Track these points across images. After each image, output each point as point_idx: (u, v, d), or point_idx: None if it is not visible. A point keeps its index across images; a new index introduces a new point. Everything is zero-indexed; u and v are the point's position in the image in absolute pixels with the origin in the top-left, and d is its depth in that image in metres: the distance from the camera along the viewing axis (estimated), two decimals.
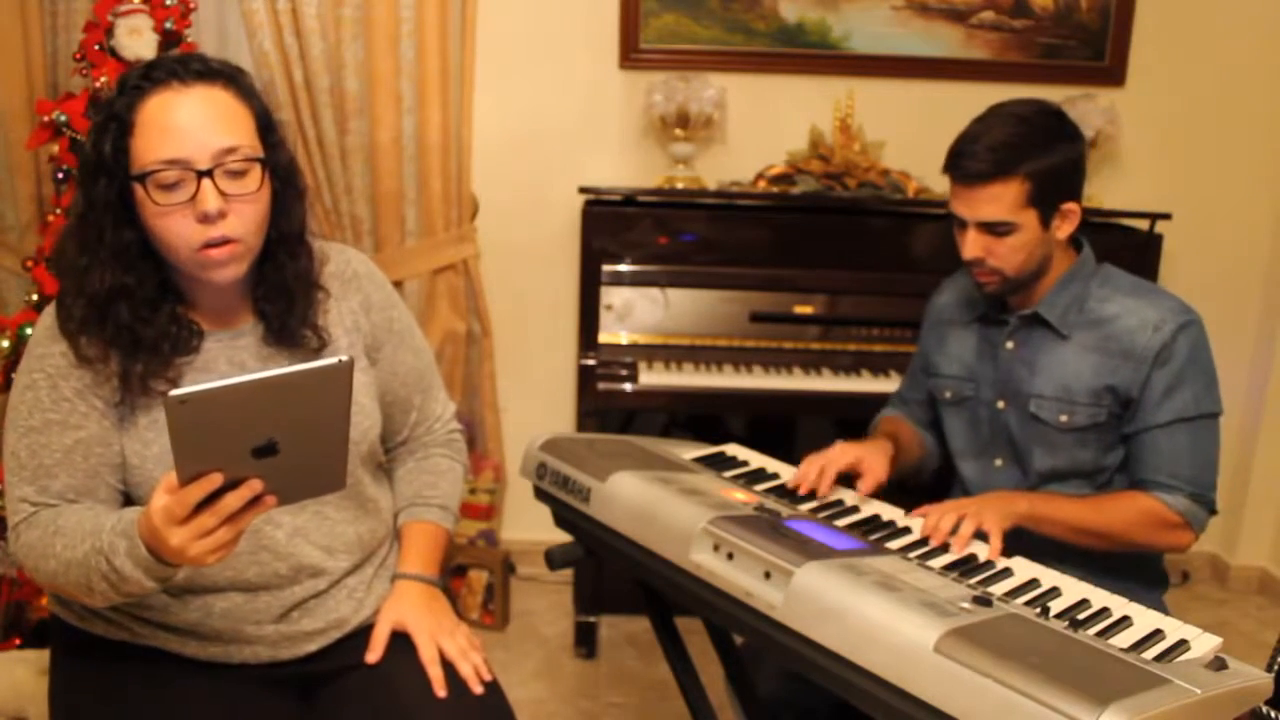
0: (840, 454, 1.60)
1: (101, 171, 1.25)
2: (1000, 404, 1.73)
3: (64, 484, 1.28)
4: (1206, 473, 1.63)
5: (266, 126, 1.32)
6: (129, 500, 1.33)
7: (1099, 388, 1.63)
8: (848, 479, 1.60)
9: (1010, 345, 1.72)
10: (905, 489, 1.72)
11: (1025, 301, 1.70)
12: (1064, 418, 1.66)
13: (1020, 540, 1.49)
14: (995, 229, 1.59)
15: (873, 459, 1.61)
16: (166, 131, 1.23)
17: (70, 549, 1.21)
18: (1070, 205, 1.62)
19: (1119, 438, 1.67)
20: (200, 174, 1.23)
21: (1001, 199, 1.57)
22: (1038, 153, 1.57)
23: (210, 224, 1.24)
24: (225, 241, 1.26)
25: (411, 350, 1.54)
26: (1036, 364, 1.69)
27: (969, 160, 1.58)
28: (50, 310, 1.32)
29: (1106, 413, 1.64)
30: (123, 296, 1.27)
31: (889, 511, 1.53)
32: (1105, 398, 1.64)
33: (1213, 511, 1.64)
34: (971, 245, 1.62)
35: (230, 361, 1.36)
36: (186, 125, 1.24)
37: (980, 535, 1.43)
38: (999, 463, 1.76)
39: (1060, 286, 1.67)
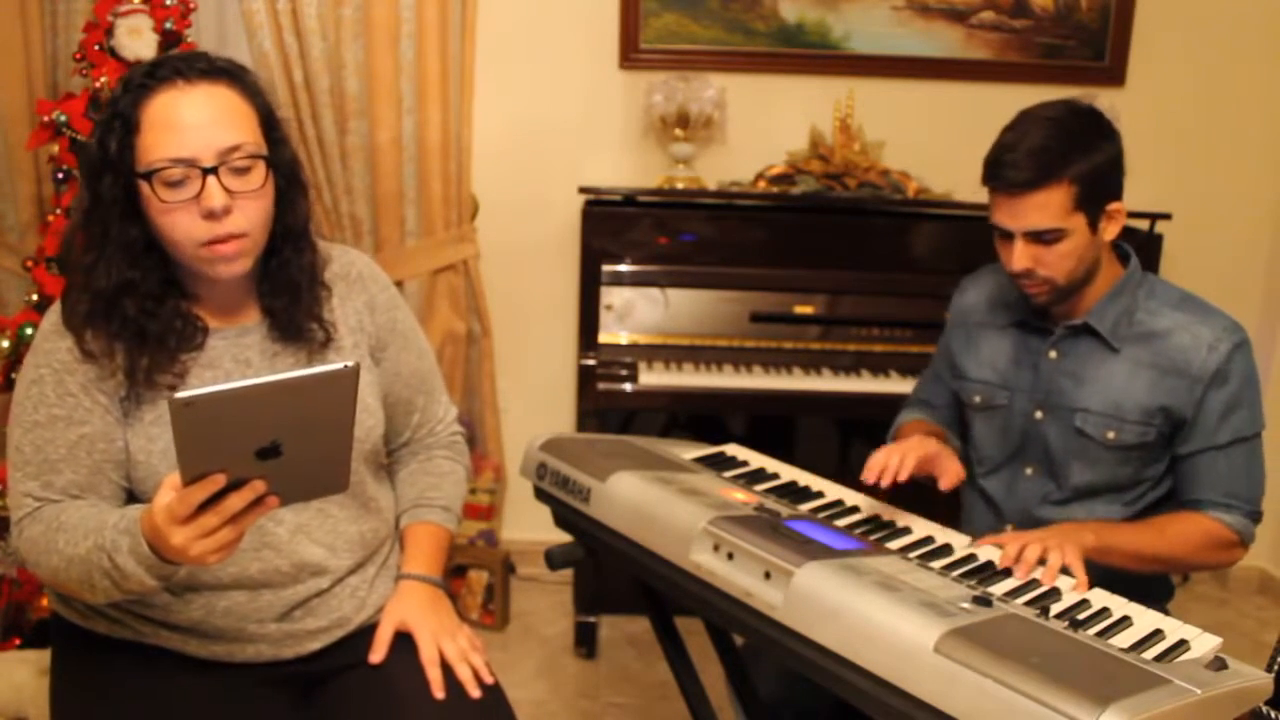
0: (920, 444, 1.52)
1: (107, 169, 1.26)
2: (1038, 414, 1.67)
3: (68, 479, 1.29)
4: (1258, 488, 1.62)
5: (270, 124, 1.33)
6: (132, 496, 1.33)
7: (1152, 407, 1.59)
8: (913, 491, 1.54)
9: (1054, 355, 1.66)
10: (910, 487, 1.69)
11: (1071, 311, 1.64)
12: (1111, 434, 1.61)
13: None
14: (1044, 237, 1.53)
15: (946, 454, 1.56)
16: (171, 130, 1.24)
17: (72, 545, 1.21)
18: (1115, 205, 1.57)
19: (1161, 454, 1.63)
20: (205, 171, 1.24)
21: (1049, 206, 1.51)
22: (1081, 154, 1.51)
23: (215, 221, 1.25)
24: (231, 237, 1.27)
25: (415, 352, 1.55)
26: (1083, 377, 1.63)
27: (1011, 169, 1.52)
28: (57, 307, 1.33)
29: (1156, 432, 1.60)
30: (128, 291, 1.28)
31: (889, 512, 1.53)
32: (1157, 417, 1.59)
33: (1258, 521, 1.63)
34: (1020, 257, 1.55)
35: (236, 358, 1.36)
36: (191, 124, 1.24)
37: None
38: (1029, 472, 1.71)
39: (1110, 298, 1.62)
